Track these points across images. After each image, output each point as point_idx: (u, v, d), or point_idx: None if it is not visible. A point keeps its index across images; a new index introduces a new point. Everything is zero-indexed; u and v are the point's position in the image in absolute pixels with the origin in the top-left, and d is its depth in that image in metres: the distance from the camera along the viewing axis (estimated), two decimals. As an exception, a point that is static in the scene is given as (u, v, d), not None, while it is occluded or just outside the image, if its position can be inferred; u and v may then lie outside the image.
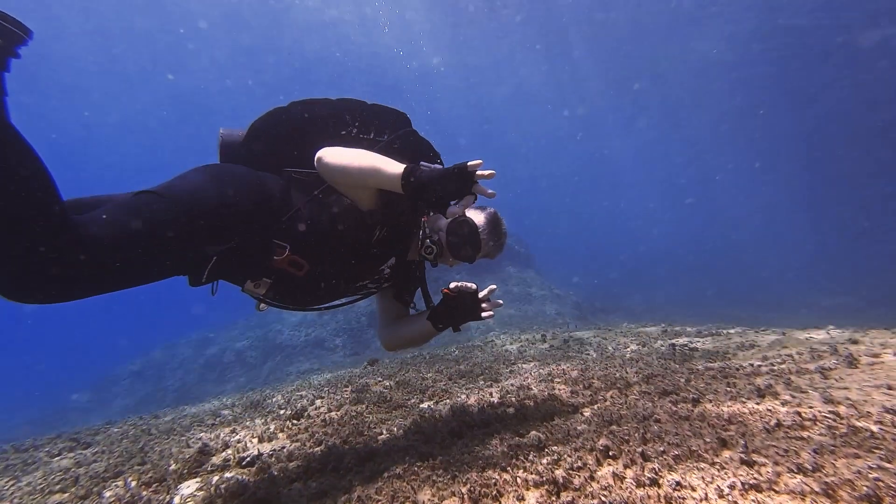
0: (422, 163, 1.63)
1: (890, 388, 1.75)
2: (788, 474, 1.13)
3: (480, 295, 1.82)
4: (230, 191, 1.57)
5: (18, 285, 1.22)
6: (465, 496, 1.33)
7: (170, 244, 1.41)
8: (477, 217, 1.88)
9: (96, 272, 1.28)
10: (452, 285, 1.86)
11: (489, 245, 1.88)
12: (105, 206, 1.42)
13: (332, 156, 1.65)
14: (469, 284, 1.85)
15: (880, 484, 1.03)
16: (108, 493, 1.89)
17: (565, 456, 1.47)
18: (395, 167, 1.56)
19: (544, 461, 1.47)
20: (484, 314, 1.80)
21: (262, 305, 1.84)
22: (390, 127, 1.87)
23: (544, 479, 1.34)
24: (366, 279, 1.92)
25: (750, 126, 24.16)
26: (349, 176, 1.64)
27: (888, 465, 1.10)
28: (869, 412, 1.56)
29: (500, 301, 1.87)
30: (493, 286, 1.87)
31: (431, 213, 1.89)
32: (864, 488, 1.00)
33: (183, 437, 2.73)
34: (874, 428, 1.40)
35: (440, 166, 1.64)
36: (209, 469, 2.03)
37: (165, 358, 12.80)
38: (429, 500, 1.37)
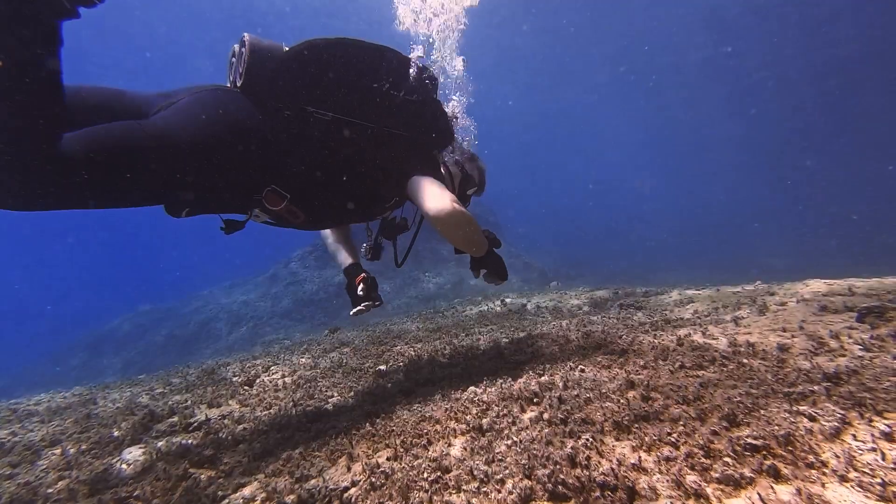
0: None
1: (784, 329, 1.95)
2: (675, 405, 1.28)
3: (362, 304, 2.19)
4: (220, 133, 1.54)
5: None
6: (398, 446, 1.42)
7: (148, 177, 1.41)
8: (480, 164, 2.43)
9: (72, 186, 1.29)
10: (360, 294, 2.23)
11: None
12: (96, 126, 1.37)
13: (450, 222, 1.80)
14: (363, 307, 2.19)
15: (739, 404, 1.19)
16: (42, 462, 1.88)
17: (493, 406, 1.59)
18: (484, 246, 2.05)
19: (474, 412, 1.57)
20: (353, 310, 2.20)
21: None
22: (419, 89, 1.95)
23: (471, 426, 1.45)
24: (363, 222, 2.25)
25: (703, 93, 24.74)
26: (459, 238, 1.91)
27: (753, 391, 1.26)
28: (760, 350, 1.75)
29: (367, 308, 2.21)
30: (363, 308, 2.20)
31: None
32: (727, 409, 1.15)
33: (129, 405, 2.71)
34: (755, 363, 1.58)
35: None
36: (154, 434, 2.05)
37: (125, 329, 12.39)
38: (363, 452, 1.46)
